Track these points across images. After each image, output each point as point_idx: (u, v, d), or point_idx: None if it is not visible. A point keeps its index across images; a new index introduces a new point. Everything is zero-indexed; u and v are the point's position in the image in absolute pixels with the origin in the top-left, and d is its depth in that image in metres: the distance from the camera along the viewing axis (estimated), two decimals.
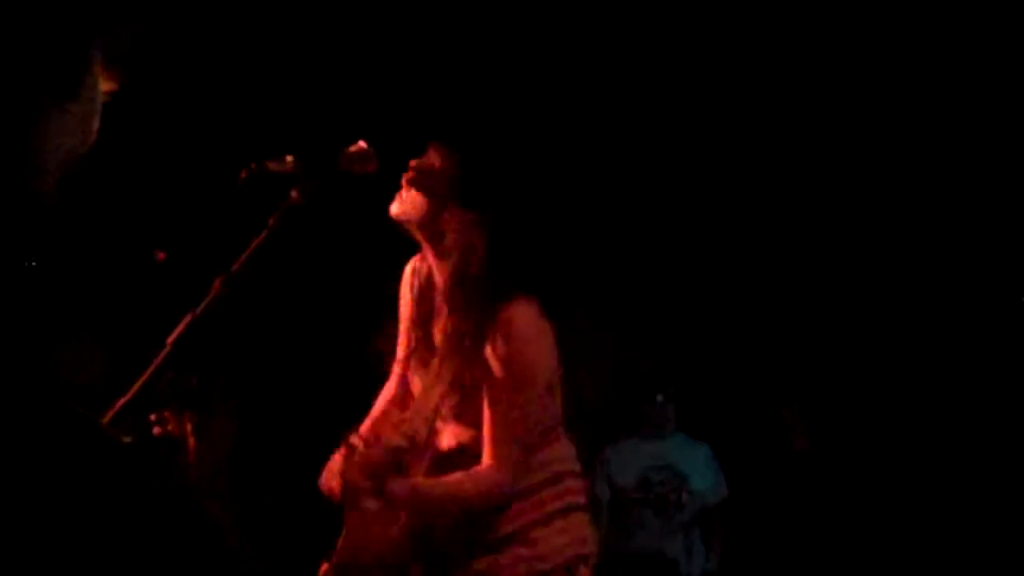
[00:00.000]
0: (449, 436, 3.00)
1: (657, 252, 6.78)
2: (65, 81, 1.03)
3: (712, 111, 6.46)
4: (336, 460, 2.99)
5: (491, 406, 2.90)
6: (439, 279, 3.01)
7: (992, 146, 5.99)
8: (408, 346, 3.11)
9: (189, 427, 3.42)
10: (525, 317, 2.91)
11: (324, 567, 2.94)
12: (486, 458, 2.90)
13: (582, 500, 3.04)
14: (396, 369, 3.16)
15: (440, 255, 2.97)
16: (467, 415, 2.95)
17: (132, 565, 0.92)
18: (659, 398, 6.18)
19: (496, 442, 2.89)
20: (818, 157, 6.43)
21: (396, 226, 3.08)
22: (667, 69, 6.29)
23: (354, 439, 2.98)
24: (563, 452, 3.04)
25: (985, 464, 5.85)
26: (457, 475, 2.92)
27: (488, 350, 2.88)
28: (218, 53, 5.18)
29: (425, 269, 3.09)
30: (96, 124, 1.07)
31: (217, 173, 3.04)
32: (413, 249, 3.11)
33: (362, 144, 2.85)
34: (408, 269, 3.16)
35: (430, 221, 2.95)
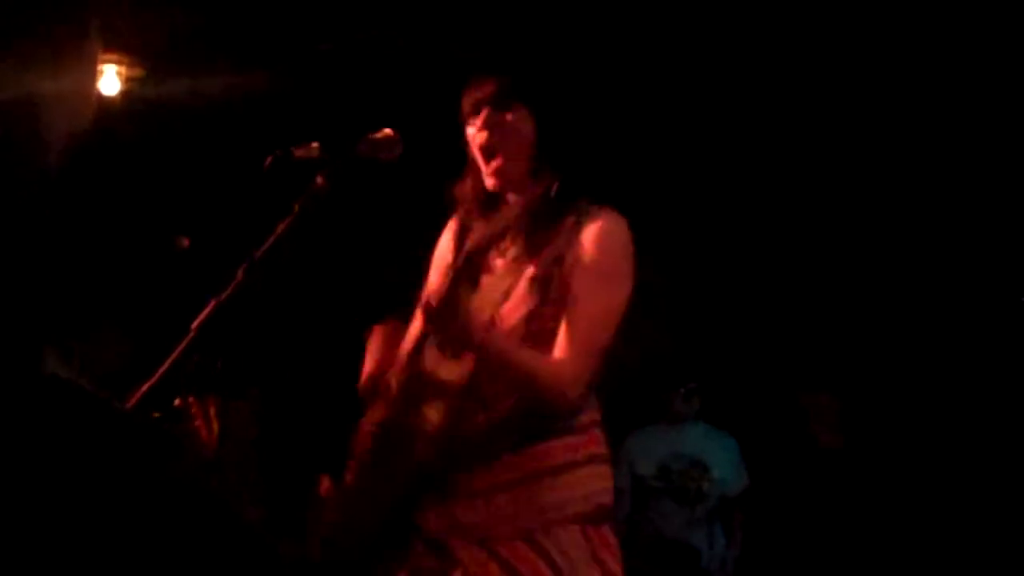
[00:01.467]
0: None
1: (683, 239, 6.77)
2: (61, 47, 1.03)
3: (746, 98, 6.45)
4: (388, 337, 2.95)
5: (573, 303, 2.81)
6: (513, 210, 2.88)
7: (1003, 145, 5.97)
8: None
9: (213, 411, 3.44)
10: (621, 226, 2.89)
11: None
12: (557, 353, 2.81)
13: (607, 452, 2.96)
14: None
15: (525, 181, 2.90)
16: (534, 333, 2.85)
17: (147, 542, 0.93)
18: (682, 388, 6.18)
19: (572, 340, 2.79)
20: (846, 144, 6.41)
21: (418, 212, 3.07)
22: (705, 52, 6.28)
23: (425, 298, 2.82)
24: (596, 402, 2.97)
25: (1012, 463, 5.83)
26: (536, 356, 2.81)
27: (573, 254, 2.83)
28: (245, 39, 5.19)
29: (486, 216, 2.97)
30: (94, 96, 1.08)
31: (243, 159, 3.05)
32: (437, 234, 3.10)
33: (387, 130, 2.85)
34: (457, 218, 3.08)
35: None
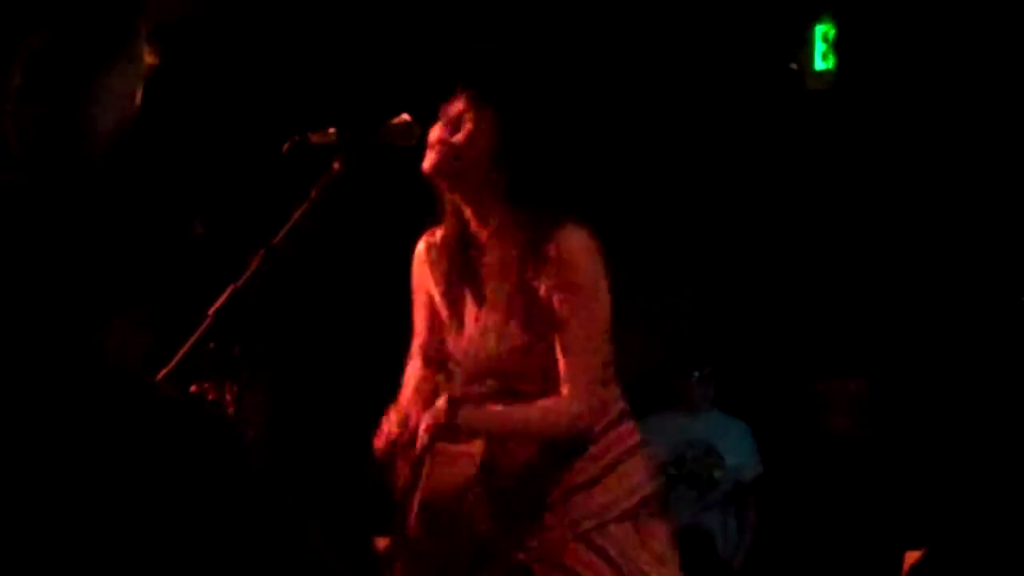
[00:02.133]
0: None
1: (696, 226, 6.76)
2: (112, 46, 1.02)
3: (756, 95, 6.44)
4: (395, 420, 2.98)
5: (559, 334, 2.87)
6: (482, 228, 2.96)
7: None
8: (432, 319, 3.09)
9: (229, 397, 3.44)
10: (581, 239, 2.91)
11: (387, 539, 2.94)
12: (561, 388, 2.88)
13: (640, 438, 3.03)
14: (416, 348, 3.13)
15: (485, 195, 2.93)
16: (532, 367, 2.93)
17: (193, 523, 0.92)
18: (696, 374, 6.17)
19: (568, 372, 2.86)
20: (862, 129, 6.39)
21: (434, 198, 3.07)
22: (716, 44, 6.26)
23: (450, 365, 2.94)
24: (616, 392, 3.02)
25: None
26: (534, 403, 2.90)
27: (547, 279, 2.87)
28: (261, 24, 5.18)
29: (449, 234, 3.05)
30: (140, 91, 1.08)
31: (259, 145, 3.04)
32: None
33: (405, 116, 2.85)
34: (421, 247, 3.12)
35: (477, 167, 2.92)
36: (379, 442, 3.01)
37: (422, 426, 2.87)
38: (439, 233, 3.09)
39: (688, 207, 6.73)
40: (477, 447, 2.88)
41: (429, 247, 3.11)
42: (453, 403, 2.84)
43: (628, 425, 3.00)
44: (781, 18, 6.22)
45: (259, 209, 2.86)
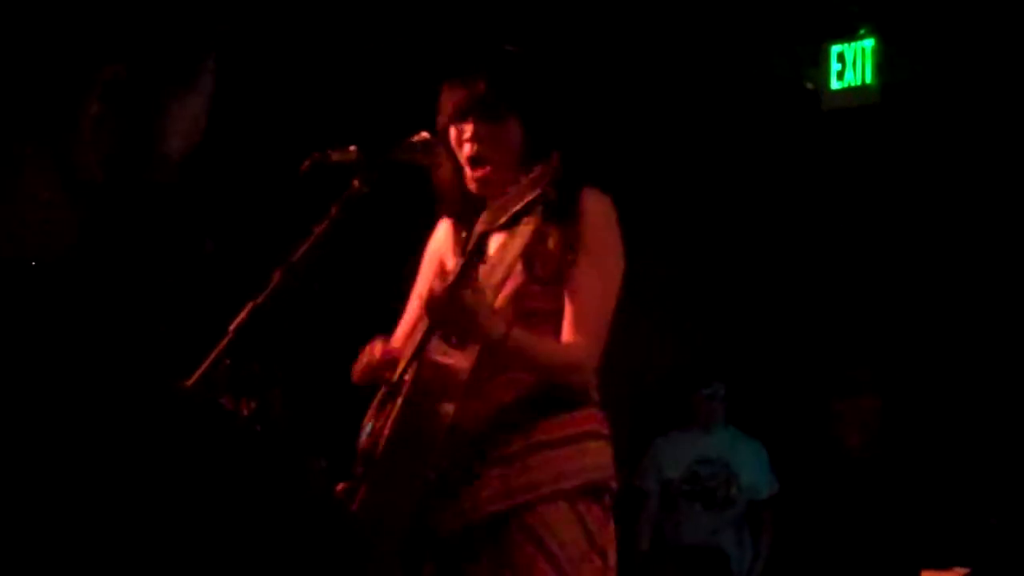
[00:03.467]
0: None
1: (711, 242, 6.76)
2: (185, 73, 1.06)
3: (754, 107, 6.44)
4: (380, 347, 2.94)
5: (574, 289, 2.86)
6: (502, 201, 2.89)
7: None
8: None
9: (246, 413, 3.45)
10: (607, 206, 2.92)
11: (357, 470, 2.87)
12: (567, 336, 2.86)
13: (604, 430, 2.97)
14: (410, 308, 3.10)
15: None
16: (521, 312, 2.89)
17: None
18: (707, 391, 6.17)
19: (580, 323, 2.85)
20: (871, 139, 6.39)
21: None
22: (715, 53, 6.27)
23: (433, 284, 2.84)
24: (596, 382, 2.99)
25: None
26: (554, 341, 2.87)
27: (565, 232, 2.86)
28: (282, 42, 5.20)
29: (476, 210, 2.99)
30: (205, 121, 1.11)
31: (280, 163, 3.05)
32: None
33: (425, 134, 2.85)
34: (445, 223, 3.11)
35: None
36: (358, 366, 2.98)
37: (426, 297, 2.80)
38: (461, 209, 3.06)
39: (702, 224, 6.73)
40: (466, 363, 2.80)
41: (453, 219, 3.10)
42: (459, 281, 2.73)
43: (594, 412, 2.95)
44: (798, 37, 6.23)
45: (280, 227, 2.87)
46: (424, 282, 3.09)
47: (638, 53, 6.20)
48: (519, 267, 2.86)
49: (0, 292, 0.94)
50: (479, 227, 2.82)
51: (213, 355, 2.58)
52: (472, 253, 2.76)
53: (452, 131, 2.94)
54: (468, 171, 2.93)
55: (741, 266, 6.79)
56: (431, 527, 2.87)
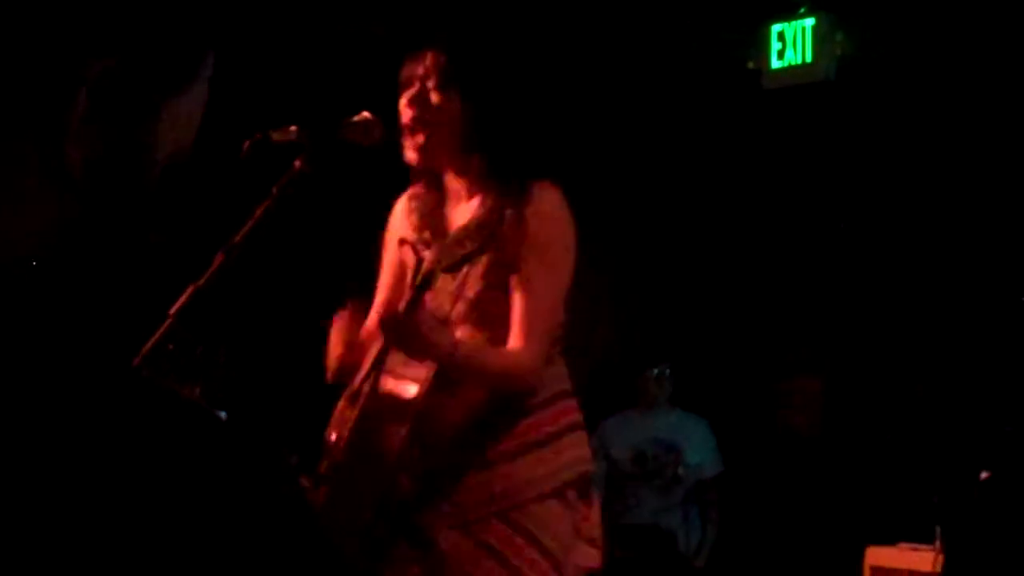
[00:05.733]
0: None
1: (653, 223, 6.78)
2: (180, 73, 1.04)
3: (717, 100, 6.46)
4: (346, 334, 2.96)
5: (521, 289, 2.85)
6: (458, 183, 2.95)
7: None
8: (398, 279, 3.05)
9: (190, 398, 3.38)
10: (555, 199, 2.91)
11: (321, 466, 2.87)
12: (513, 342, 2.86)
13: (579, 418, 2.99)
14: (377, 304, 3.10)
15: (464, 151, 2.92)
16: (479, 317, 2.90)
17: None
18: (654, 371, 6.18)
19: (526, 326, 2.85)
20: (825, 125, 6.42)
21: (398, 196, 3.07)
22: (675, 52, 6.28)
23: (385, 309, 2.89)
24: (561, 371, 3.00)
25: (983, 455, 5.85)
26: (495, 352, 2.88)
27: (516, 231, 2.85)
28: (221, 23, 5.13)
29: (425, 189, 3.03)
30: (199, 122, 1.09)
31: (220, 144, 3.01)
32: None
33: (366, 114, 2.83)
34: (401, 201, 3.10)
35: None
36: (330, 363, 3.00)
37: (381, 318, 2.84)
38: (419, 187, 3.06)
39: (646, 205, 6.75)
40: (423, 377, 2.82)
41: (410, 198, 3.09)
42: (413, 302, 2.76)
43: (568, 403, 2.98)
44: (738, 17, 6.24)
45: (221, 208, 2.84)
46: (389, 268, 3.09)
47: (577, 35, 6.19)
48: (479, 273, 2.87)
49: None
50: (427, 264, 2.84)
51: (154, 340, 2.55)
52: (419, 285, 2.78)
53: (401, 103, 2.93)
54: (405, 139, 2.92)
55: (684, 247, 6.82)
56: (417, 527, 2.88)
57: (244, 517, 0.90)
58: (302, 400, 3.06)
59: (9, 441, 0.88)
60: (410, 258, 2.94)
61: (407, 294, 2.81)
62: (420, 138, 2.90)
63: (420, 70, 2.90)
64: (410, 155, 2.93)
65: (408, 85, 2.92)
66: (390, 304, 2.97)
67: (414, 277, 2.87)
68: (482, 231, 2.89)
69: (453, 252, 2.88)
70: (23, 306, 0.95)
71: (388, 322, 2.78)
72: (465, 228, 2.91)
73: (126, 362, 0.98)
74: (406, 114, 2.91)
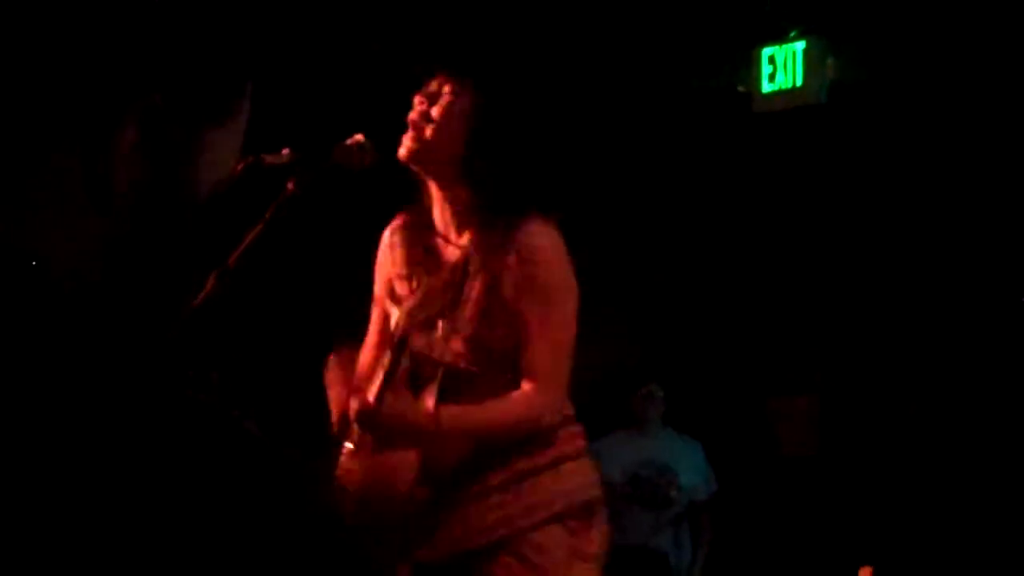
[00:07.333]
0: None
1: (645, 244, 6.79)
2: (222, 107, 1.08)
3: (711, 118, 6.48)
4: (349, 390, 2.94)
5: (528, 330, 2.84)
6: (447, 212, 2.94)
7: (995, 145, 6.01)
8: (389, 299, 3.05)
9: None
10: (547, 237, 2.90)
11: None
12: (527, 386, 2.85)
13: (583, 445, 2.99)
14: (373, 328, 3.10)
15: (455, 181, 2.91)
16: (484, 358, 2.90)
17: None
18: (645, 392, 6.18)
19: (542, 372, 2.84)
20: (820, 138, 6.44)
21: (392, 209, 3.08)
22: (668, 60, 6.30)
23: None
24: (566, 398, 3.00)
25: (985, 469, 5.86)
26: (497, 401, 2.86)
27: (512, 271, 2.85)
28: (216, 44, 5.14)
29: (415, 219, 3.03)
30: (239, 152, 1.13)
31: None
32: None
33: (359, 137, 2.84)
34: (387, 233, 3.10)
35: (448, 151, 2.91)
36: (334, 408, 2.99)
37: (350, 411, 2.84)
38: (405, 218, 3.06)
39: (638, 226, 6.76)
40: (413, 456, 2.83)
41: (393, 231, 3.09)
42: (380, 394, 2.78)
43: (573, 429, 2.98)
44: (729, 41, 6.27)
45: (213, 231, 2.85)
46: (378, 304, 3.08)
47: (569, 60, 6.21)
48: (475, 314, 2.86)
49: (21, 295, 0.97)
50: (397, 331, 2.85)
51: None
52: (392, 360, 2.80)
53: (415, 97, 2.94)
54: (404, 136, 2.92)
55: (677, 267, 6.83)
56: (416, 556, 2.90)
57: (268, 520, 0.93)
58: (294, 420, 3.06)
59: (49, 444, 0.90)
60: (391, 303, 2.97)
61: (378, 377, 2.81)
62: (421, 134, 2.90)
63: (434, 85, 2.93)
64: (403, 151, 2.93)
65: (427, 83, 2.94)
66: (381, 345, 2.95)
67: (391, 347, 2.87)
68: (467, 269, 2.88)
69: (429, 305, 2.85)
70: (69, 317, 0.98)
71: (361, 418, 2.80)
72: (440, 276, 2.89)
73: (167, 376, 1.02)
74: (416, 111, 2.92)
